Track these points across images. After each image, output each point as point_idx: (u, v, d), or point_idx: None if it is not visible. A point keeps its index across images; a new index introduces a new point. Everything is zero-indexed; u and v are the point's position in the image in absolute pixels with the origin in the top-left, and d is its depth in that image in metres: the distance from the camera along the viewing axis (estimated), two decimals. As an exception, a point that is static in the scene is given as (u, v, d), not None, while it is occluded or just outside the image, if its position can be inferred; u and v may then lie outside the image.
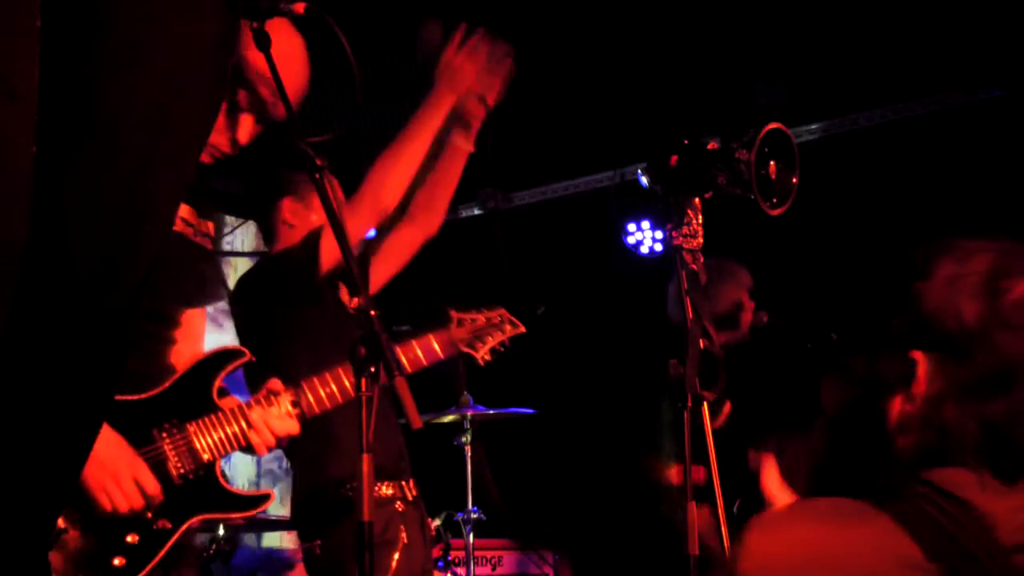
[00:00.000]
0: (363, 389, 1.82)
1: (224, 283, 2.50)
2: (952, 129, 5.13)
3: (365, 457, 1.78)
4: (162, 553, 2.10)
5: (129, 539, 2.08)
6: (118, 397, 2.13)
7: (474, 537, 4.57)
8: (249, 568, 4.67)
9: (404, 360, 2.60)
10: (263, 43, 2.02)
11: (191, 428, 2.21)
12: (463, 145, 2.93)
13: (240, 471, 5.90)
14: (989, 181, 4.87)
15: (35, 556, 1.27)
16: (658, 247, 5.56)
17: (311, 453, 2.80)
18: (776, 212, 2.17)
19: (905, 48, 4.82)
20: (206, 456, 2.21)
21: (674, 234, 2.12)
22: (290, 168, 2.97)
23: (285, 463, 5.33)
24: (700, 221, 2.14)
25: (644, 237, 5.68)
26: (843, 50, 4.85)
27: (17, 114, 1.05)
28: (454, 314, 2.75)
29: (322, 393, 2.38)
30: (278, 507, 5.13)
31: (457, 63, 2.74)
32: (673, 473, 3.98)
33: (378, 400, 2.01)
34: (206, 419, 2.23)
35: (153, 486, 2.11)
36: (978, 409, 1.38)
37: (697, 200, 2.15)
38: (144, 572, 2.08)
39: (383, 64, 4.48)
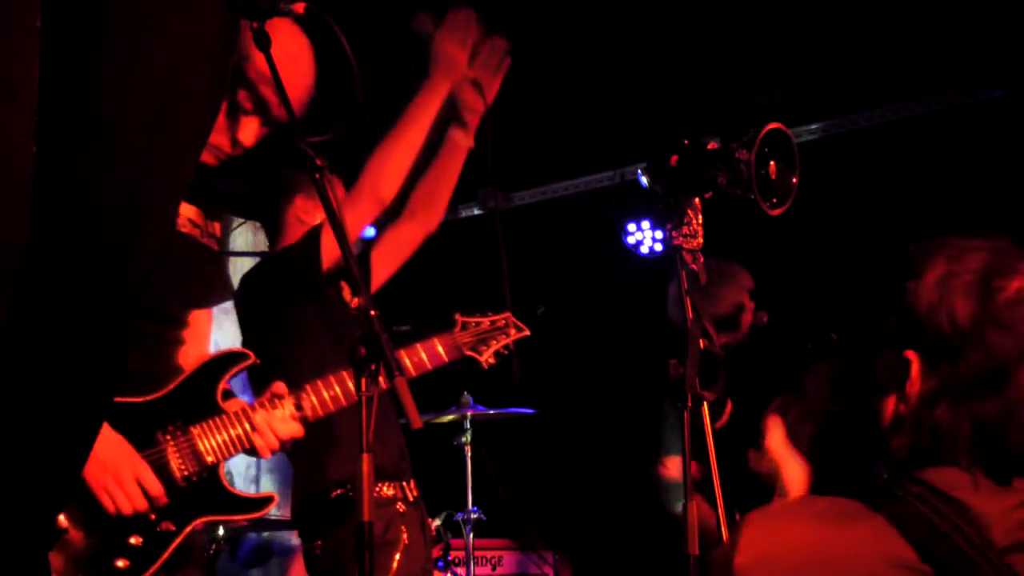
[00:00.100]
0: (363, 389, 1.82)
1: (229, 283, 2.50)
2: (952, 129, 5.13)
3: (365, 457, 1.79)
4: (165, 555, 2.10)
5: (132, 541, 2.08)
6: (123, 399, 2.13)
7: (474, 537, 4.57)
8: (255, 557, 4.68)
9: (408, 363, 2.60)
10: (263, 43, 2.03)
11: (195, 430, 2.21)
12: (462, 140, 2.93)
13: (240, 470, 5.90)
14: (989, 181, 4.87)
15: (35, 556, 1.27)
16: (658, 247, 5.56)
17: (312, 453, 2.80)
18: (776, 212, 2.17)
19: (905, 48, 4.82)
20: (209, 458, 2.21)
21: (674, 234, 2.11)
22: (296, 167, 2.98)
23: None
24: (700, 221, 2.14)
25: (644, 237, 5.68)
26: (843, 50, 4.85)
27: (17, 114, 1.05)
28: (459, 317, 2.75)
29: (326, 396, 2.38)
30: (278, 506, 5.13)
31: (447, 49, 2.74)
32: (669, 466, 3.98)
33: (379, 401, 2.02)
34: (210, 421, 2.23)
35: (156, 487, 2.11)
36: (971, 409, 1.38)
37: (697, 200, 2.15)
38: (147, 574, 2.08)
39: (383, 64, 4.49)
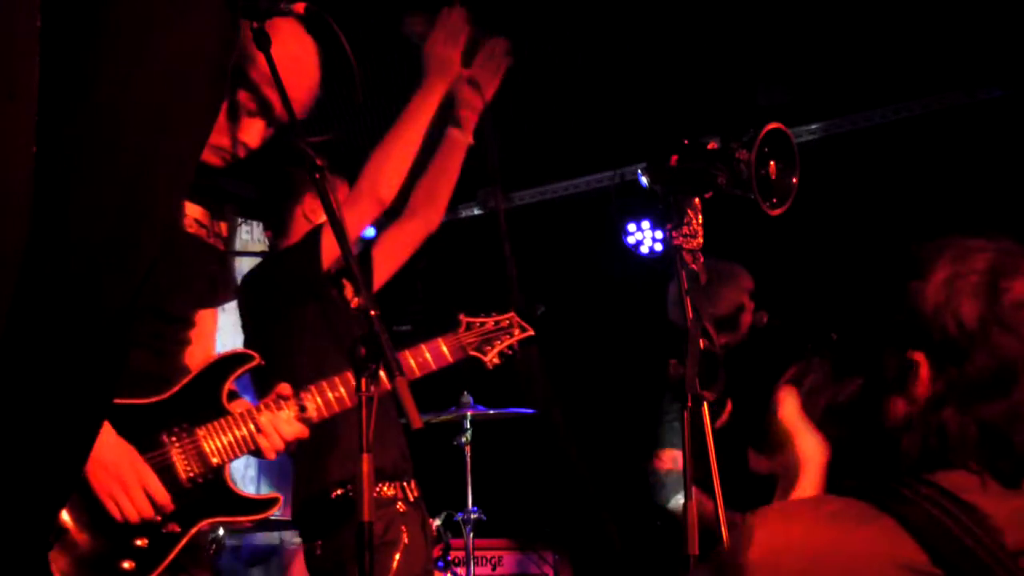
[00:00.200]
0: (363, 388, 1.82)
1: (235, 283, 2.50)
2: (952, 129, 5.13)
3: (365, 457, 1.79)
4: (171, 557, 2.10)
5: (138, 543, 2.08)
6: (128, 401, 2.13)
7: (474, 537, 4.57)
8: (256, 557, 4.68)
9: (413, 363, 2.60)
10: (263, 43, 2.03)
11: (200, 432, 2.21)
12: (460, 138, 2.93)
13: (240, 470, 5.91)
14: (989, 181, 4.87)
15: (34, 556, 1.27)
16: (658, 247, 5.56)
17: (312, 453, 2.80)
18: (776, 212, 2.17)
19: (905, 48, 4.82)
20: (215, 460, 2.21)
21: (674, 234, 2.11)
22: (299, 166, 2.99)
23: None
24: (700, 221, 2.14)
25: (644, 237, 5.68)
26: (843, 50, 4.85)
27: (17, 114, 1.05)
28: (463, 318, 2.75)
29: (330, 397, 2.38)
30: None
31: (439, 50, 2.75)
32: (663, 458, 3.98)
33: (381, 401, 2.02)
34: (215, 423, 2.23)
35: (163, 495, 2.11)
36: (978, 411, 1.37)
37: (697, 200, 2.15)
38: (153, 575, 2.08)
39: (383, 64, 4.49)
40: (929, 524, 1.31)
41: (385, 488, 2.86)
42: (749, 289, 4.16)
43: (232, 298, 2.53)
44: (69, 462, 1.28)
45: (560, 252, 6.03)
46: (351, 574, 2.74)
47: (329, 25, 2.06)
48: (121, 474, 2.06)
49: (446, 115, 2.88)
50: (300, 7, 2.06)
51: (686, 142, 2.17)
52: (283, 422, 2.30)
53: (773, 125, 2.17)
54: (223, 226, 2.39)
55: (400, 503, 2.89)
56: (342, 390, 2.39)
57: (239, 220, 5.97)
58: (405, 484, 2.92)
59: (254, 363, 2.33)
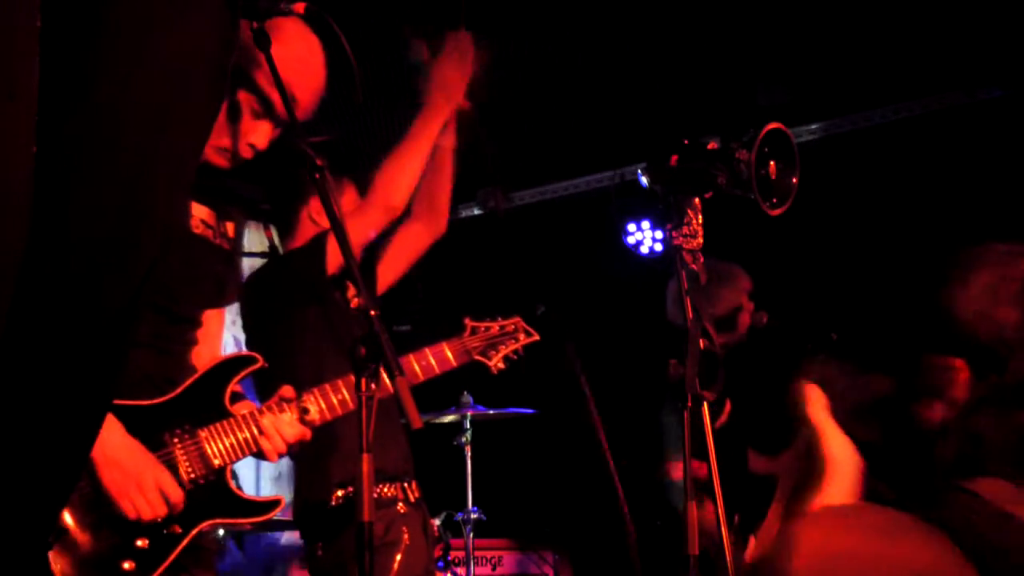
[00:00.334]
0: (363, 389, 1.82)
1: (240, 283, 2.51)
2: (952, 129, 5.13)
3: (365, 457, 1.79)
4: (171, 557, 2.10)
5: (139, 543, 2.08)
6: (131, 402, 2.13)
7: (474, 537, 4.57)
8: (257, 557, 4.68)
9: (417, 367, 2.60)
10: (263, 43, 2.03)
11: (202, 434, 2.21)
12: (446, 143, 2.97)
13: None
14: (989, 181, 4.87)
15: (34, 557, 1.27)
16: (658, 247, 5.56)
17: (314, 454, 2.80)
18: (776, 212, 2.17)
19: (905, 48, 4.82)
20: (217, 461, 2.21)
21: (674, 234, 2.11)
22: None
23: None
24: (700, 221, 2.14)
25: (644, 237, 5.68)
26: (843, 50, 4.85)
27: (17, 114, 1.05)
28: (468, 322, 2.76)
29: (334, 400, 2.38)
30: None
31: (448, 75, 2.79)
32: (677, 469, 3.98)
33: (385, 403, 2.02)
34: (218, 425, 2.23)
35: (176, 494, 2.12)
36: (1017, 418, 1.36)
37: (697, 200, 2.15)
38: None
39: (383, 64, 4.49)
40: (973, 535, 1.30)
41: (386, 489, 2.87)
42: (747, 290, 4.16)
43: (238, 299, 2.53)
44: (69, 462, 1.28)
45: (560, 252, 6.03)
46: (352, 574, 2.74)
47: (329, 25, 2.06)
48: (137, 473, 2.07)
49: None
50: (300, 7, 2.06)
51: (686, 142, 2.17)
52: (285, 424, 2.30)
53: (773, 125, 2.17)
54: (230, 226, 2.39)
55: (401, 504, 2.89)
56: (345, 393, 2.39)
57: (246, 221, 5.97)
58: (406, 485, 2.93)
59: (257, 365, 2.33)
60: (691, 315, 2.03)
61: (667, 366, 1.99)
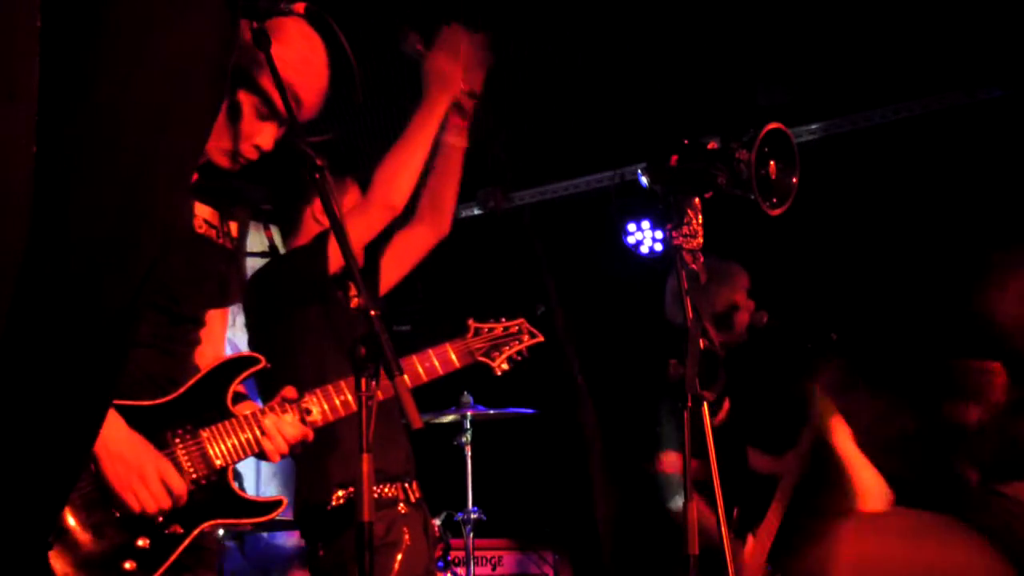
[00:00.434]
0: (362, 389, 1.82)
1: (244, 282, 2.51)
2: (952, 129, 5.13)
3: (365, 457, 1.79)
4: (173, 557, 2.10)
5: (140, 543, 2.08)
6: (133, 403, 2.13)
7: (474, 537, 4.57)
8: (259, 557, 4.68)
9: (420, 369, 2.60)
10: (263, 43, 2.03)
11: (204, 434, 2.21)
12: (456, 142, 2.96)
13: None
14: (989, 181, 4.87)
15: (34, 557, 1.27)
16: (658, 247, 5.56)
17: (315, 455, 2.80)
18: (776, 212, 2.17)
19: (905, 48, 4.82)
20: (219, 462, 2.21)
21: (674, 234, 2.12)
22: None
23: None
24: (700, 221, 2.14)
25: (644, 237, 5.68)
26: (843, 50, 4.85)
27: (17, 114, 1.05)
28: (471, 323, 2.76)
29: (336, 402, 2.38)
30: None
31: (442, 67, 2.78)
32: (665, 462, 3.98)
33: (387, 404, 2.02)
34: (219, 425, 2.23)
35: (180, 486, 2.12)
36: None
37: (697, 200, 2.15)
38: None
39: (383, 64, 4.49)
40: (1010, 538, 1.30)
41: (387, 489, 2.86)
42: (745, 288, 4.14)
43: (242, 298, 2.53)
44: (69, 462, 1.28)
45: (560, 252, 6.03)
46: (353, 575, 2.74)
47: (329, 25, 2.06)
48: (139, 466, 2.07)
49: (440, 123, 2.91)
50: (300, 7, 2.06)
51: (686, 142, 2.17)
52: (287, 425, 2.30)
53: (773, 125, 2.17)
54: (233, 226, 2.39)
55: (402, 504, 2.89)
56: (347, 394, 2.39)
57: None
58: (407, 485, 2.93)
59: (259, 366, 2.33)
60: (691, 315, 2.03)
61: (667, 365, 1.99)
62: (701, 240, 2.13)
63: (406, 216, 2.96)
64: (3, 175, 1.04)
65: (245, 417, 2.27)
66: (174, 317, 2.25)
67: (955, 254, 4.86)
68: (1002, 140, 4.90)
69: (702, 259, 2.12)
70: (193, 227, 2.27)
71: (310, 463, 2.86)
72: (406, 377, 2.52)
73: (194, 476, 2.17)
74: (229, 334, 2.74)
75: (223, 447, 2.22)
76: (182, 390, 2.23)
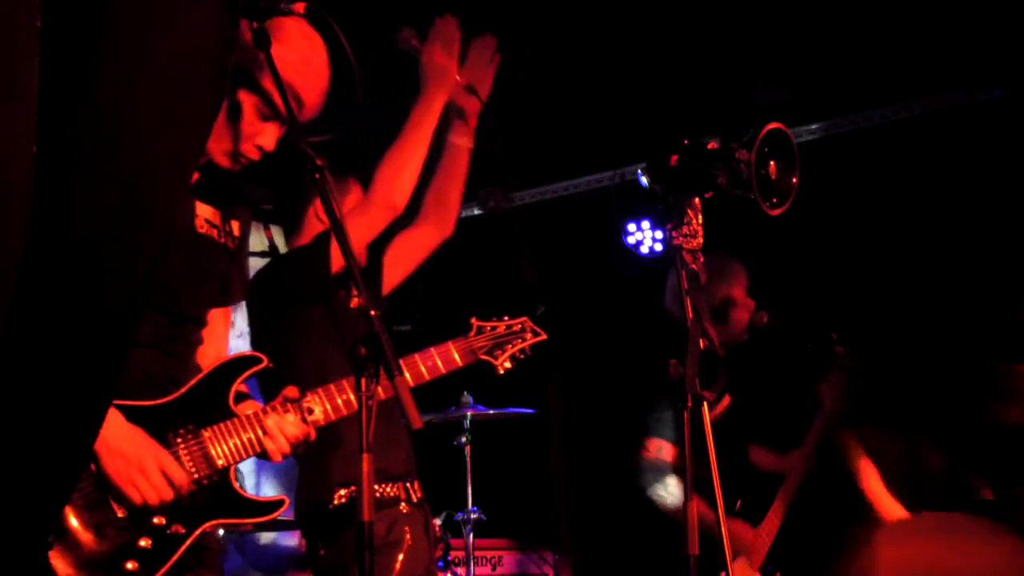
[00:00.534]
0: (363, 389, 1.82)
1: (247, 282, 2.51)
2: (952, 129, 5.13)
3: (365, 457, 1.79)
4: (175, 558, 2.10)
5: (142, 543, 2.08)
6: (134, 403, 2.13)
7: (474, 537, 4.57)
8: (260, 558, 4.68)
9: (422, 368, 2.60)
10: (262, 43, 2.03)
11: (206, 434, 2.21)
12: (462, 142, 2.97)
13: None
14: (989, 181, 4.87)
15: (35, 557, 1.27)
16: (658, 247, 5.56)
17: (316, 455, 2.80)
18: (776, 212, 2.18)
19: (905, 48, 4.82)
20: (220, 462, 2.21)
21: (674, 234, 2.12)
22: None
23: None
24: (700, 221, 2.14)
25: (644, 237, 5.68)
26: (843, 50, 4.85)
27: (17, 114, 1.05)
28: (474, 322, 2.76)
29: (339, 401, 2.39)
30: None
31: (437, 60, 2.78)
32: (650, 448, 3.98)
33: (388, 404, 2.02)
34: (221, 425, 2.23)
35: (181, 476, 2.12)
36: None
37: (697, 200, 2.15)
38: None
39: (383, 64, 4.48)
40: None
41: (389, 489, 2.86)
42: (742, 284, 4.13)
43: (244, 298, 2.53)
44: (69, 461, 1.28)
45: (560, 252, 6.03)
46: (354, 574, 2.74)
47: (329, 25, 2.06)
48: (138, 459, 2.07)
49: (445, 122, 2.91)
50: (300, 7, 2.06)
51: (686, 142, 2.17)
52: (289, 425, 2.30)
53: (773, 125, 2.17)
54: (235, 225, 2.39)
55: (403, 504, 2.89)
56: (350, 394, 2.39)
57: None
58: (409, 485, 2.93)
59: (261, 366, 2.33)
60: (691, 315, 2.03)
61: (667, 365, 1.99)
62: (701, 240, 2.13)
63: (410, 215, 2.96)
64: (3, 175, 1.04)
65: (247, 417, 2.27)
66: (175, 317, 2.25)
67: (955, 254, 4.86)
68: (1002, 140, 4.90)
69: (702, 259, 2.12)
70: (194, 227, 2.27)
71: (312, 462, 2.86)
72: (408, 376, 2.54)
73: (196, 476, 2.17)
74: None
75: (225, 447, 2.22)
76: (184, 390, 2.23)
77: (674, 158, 2.15)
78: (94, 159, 1.15)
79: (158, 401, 2.18)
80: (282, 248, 3.31)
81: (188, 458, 2.17)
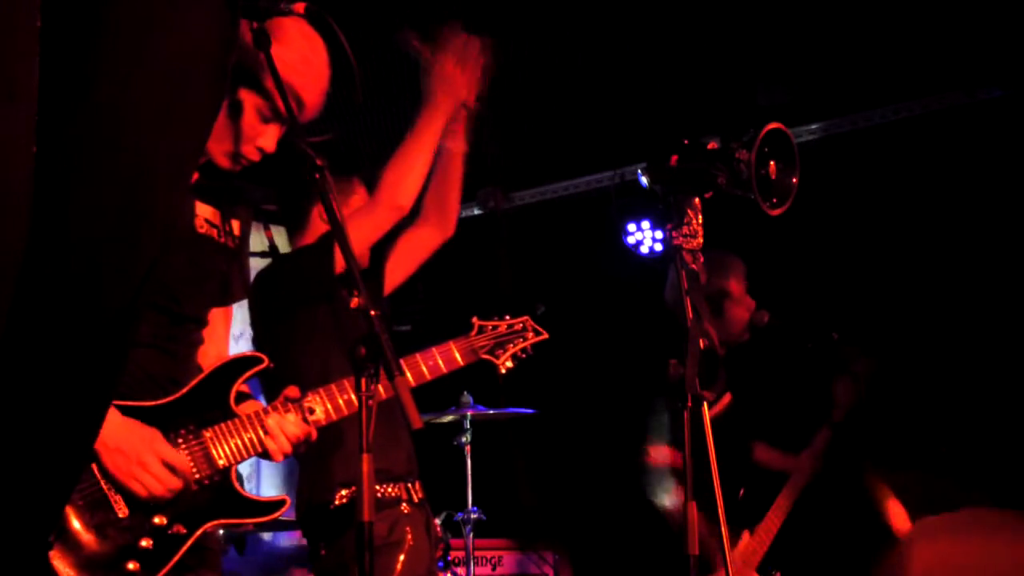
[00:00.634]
0: (363, 389, 1.82)
1: (248, 281, 2.51)
2: (952, 129, 5.13)
3: (365, 457, 1.79)
4: (176, 558, 2.10)
5: (143, 543, 2.08)
6: (135, 403, 2.13)
7: (474, 537, 4.57)
8: (260, 558, 4.68)
9: (424, 367, 2.61)
10: (262, 43, 2.03)
11: (207, 434, 2.21)
12: (455, 147, 2.98)
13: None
14: (989, 181, 4.87)
15: (35, 556, 1.27)
16: (658, 247, 5.56)
17: (317, 455, 2.80)
18: (776, 212, 2.18)
19: (905, 48, 4.82)
20: (221, 462, 2.21)
21: (674, 234, 2.12)
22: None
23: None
24: (700, 221, 2.14)
25: (644, 237, 5.68)
26: (843, 50, 4.85)
27: (17, 114, 1.05)
28: (476, 321, 2.76)
29: (340, 401, 2.39)
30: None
31: (447, 71, 2.79)
32: (653, 454, 3.98)
33: (389, 403, 2.02)
34: (222, 425, 2.23)
35: (184, 464, 2.13)
36: None
37: (697, 200, 2.15)
38: None
39: (383, 64, 4.49)
40: None
41: (390, 489, 2.87)
42: (739, 279, 4.12)
43: (244, 297, 2.53)
44: (69, 461, 1.28)
45: (560, 252, 6.03)
46: (354, 574, 2.74)
47: (329, 25, 2.06)
48: (136, 453, 2.07)
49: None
50: (300, 7, 2.06)
51: (686, 142, 2.17)
52: (290, 424, 2.30)
53: (773, 125, 2.17)
54: (235, 225, 2.39)
55: (405, 504, 2.89)
56: (351, 394, 2.39)
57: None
58: (410, 485, 2.93)
59: (263, 366, 2.33)
60: (691, 315, 2.03)
61: (666, 365, 1.99)
62: (701, 240, 2.13)
63: (411, 217, 2.96)
64: (3, 175, 1.04)
65: (248, 417, 2.27)
66: (175, 317, 2.25)
67: (955, 254, 4.86)
68: (1002, 140, 4.90)
69: (702, 259, 2.12)
70: (194, 227, 2.27)
71: (313, 462, 2.86)
72: (409, 375, 2.54)
73: (197, 476, 2.17)
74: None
75: (226, 447, 2.22)
76: (185, 390, 2.23)
77: (674, 158, 2.15)
78: (94, 159, 1.15)
79: (159, 401, 2.18)
80: (283, 248, 3.31)
81: (189, 458, 2.18)
